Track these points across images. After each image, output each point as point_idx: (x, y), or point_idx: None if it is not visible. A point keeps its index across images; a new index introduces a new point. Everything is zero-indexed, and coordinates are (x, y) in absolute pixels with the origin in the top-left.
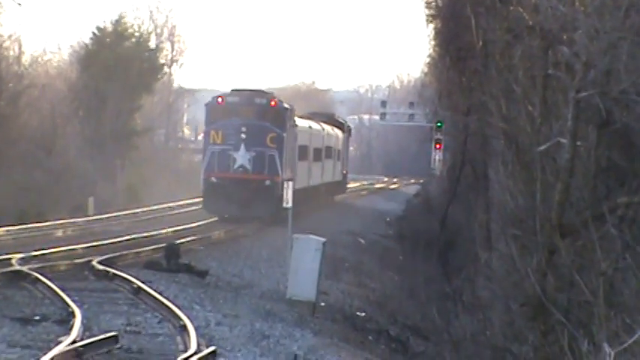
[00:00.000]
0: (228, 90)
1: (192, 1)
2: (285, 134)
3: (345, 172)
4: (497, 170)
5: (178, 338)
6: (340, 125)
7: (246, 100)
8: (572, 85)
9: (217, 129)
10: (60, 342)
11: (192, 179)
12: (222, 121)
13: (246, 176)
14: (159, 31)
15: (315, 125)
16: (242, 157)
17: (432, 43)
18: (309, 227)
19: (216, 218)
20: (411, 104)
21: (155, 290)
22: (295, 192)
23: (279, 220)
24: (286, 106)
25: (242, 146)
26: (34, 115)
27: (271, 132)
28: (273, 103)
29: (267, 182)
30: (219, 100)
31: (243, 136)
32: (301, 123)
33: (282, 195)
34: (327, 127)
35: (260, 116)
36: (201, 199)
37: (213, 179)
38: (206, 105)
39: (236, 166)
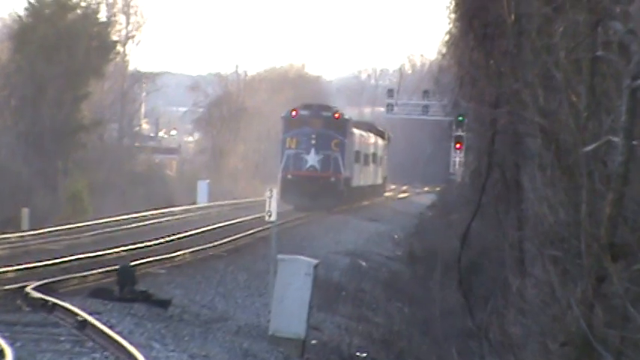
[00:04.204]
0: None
1: None
2: (346, 140)
3: (384, 176)
4: (532, 176)
5: None
6: (382, 134)
7: (316, 112)
8: (626, 70)
9: (292, 136)
10: None
11: (153, 184)
12: (296, 129)
13: (316, 174)
14: (111, 0)
15: (364, 134)
16: (312, 159)
17: (452, 16)
18: (296, 244)
19: (180, 234)
20: (425, 93)
21: (105, 324)
22: (351, 189)
23: (341, 210)
24: (346, 117)
25: (312, 150)
26: None
27: (335, 138)
28: (336, 115)
29: (333, 179)
30: (293, 113)
31: (313, 142)
32: (356, 131)
33: (343, 190)
34: (373, 136)
35: (326, 126)
36: (165, 210)
37: (289, 177)
38: (282, 117)
39: (307, 166)
